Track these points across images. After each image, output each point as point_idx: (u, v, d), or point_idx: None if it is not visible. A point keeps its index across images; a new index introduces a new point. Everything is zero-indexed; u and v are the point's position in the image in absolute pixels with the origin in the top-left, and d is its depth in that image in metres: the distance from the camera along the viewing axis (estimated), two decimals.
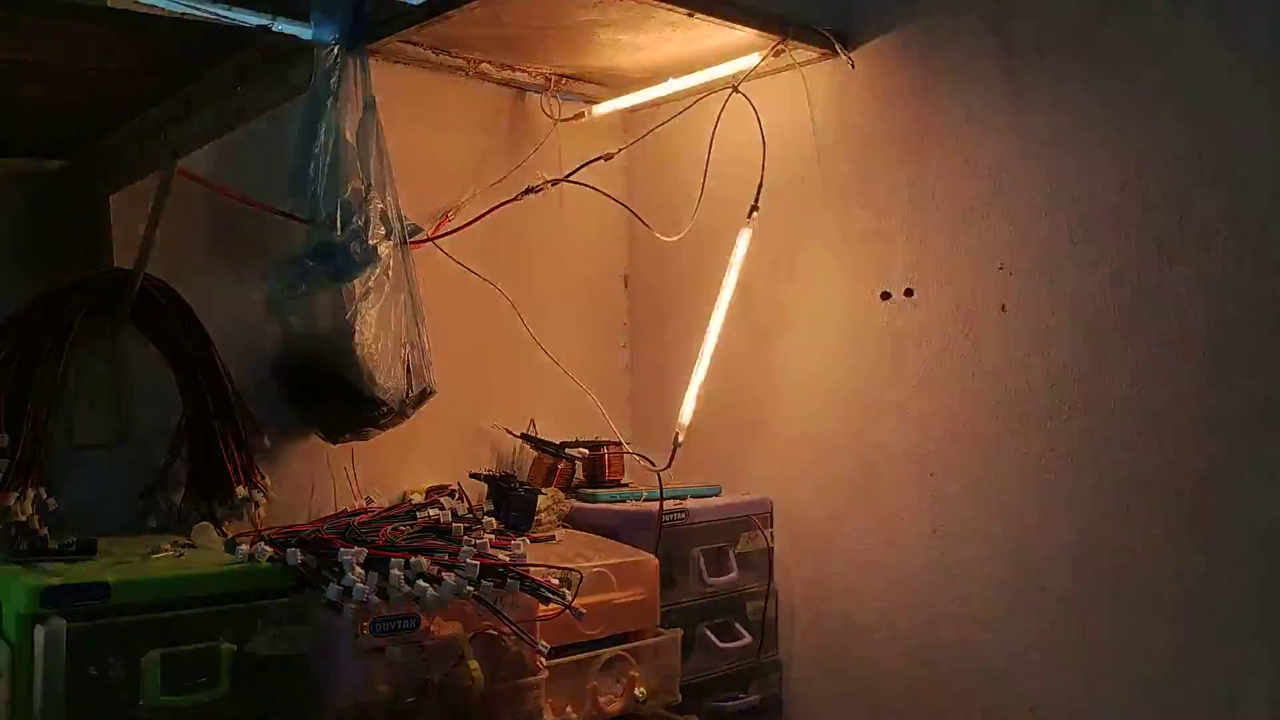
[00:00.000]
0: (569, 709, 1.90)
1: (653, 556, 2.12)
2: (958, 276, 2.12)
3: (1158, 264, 1.85)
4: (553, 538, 2.16)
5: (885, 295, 2.23)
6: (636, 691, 1.98)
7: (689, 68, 2.39)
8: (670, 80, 2.45)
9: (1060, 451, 1.97)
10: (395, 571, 1.59)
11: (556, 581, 1.78)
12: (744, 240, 2.40)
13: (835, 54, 2.28)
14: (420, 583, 1.60)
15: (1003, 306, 2.05)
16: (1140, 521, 1.87)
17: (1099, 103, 1.92)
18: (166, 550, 1.69)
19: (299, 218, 2.07)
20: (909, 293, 2.20)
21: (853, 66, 2.29)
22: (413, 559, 1.63)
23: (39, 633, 1.38)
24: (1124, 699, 1.89)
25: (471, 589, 1.65)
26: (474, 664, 1.67)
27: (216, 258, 2.14)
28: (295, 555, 1.61)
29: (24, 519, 1.76)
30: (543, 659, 1.78)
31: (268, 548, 1.64)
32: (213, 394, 1.94)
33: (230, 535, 1.81)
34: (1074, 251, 1.95)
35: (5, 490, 1.72)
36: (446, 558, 1.68)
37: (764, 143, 2.35)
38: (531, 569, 1.75)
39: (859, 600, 2.28)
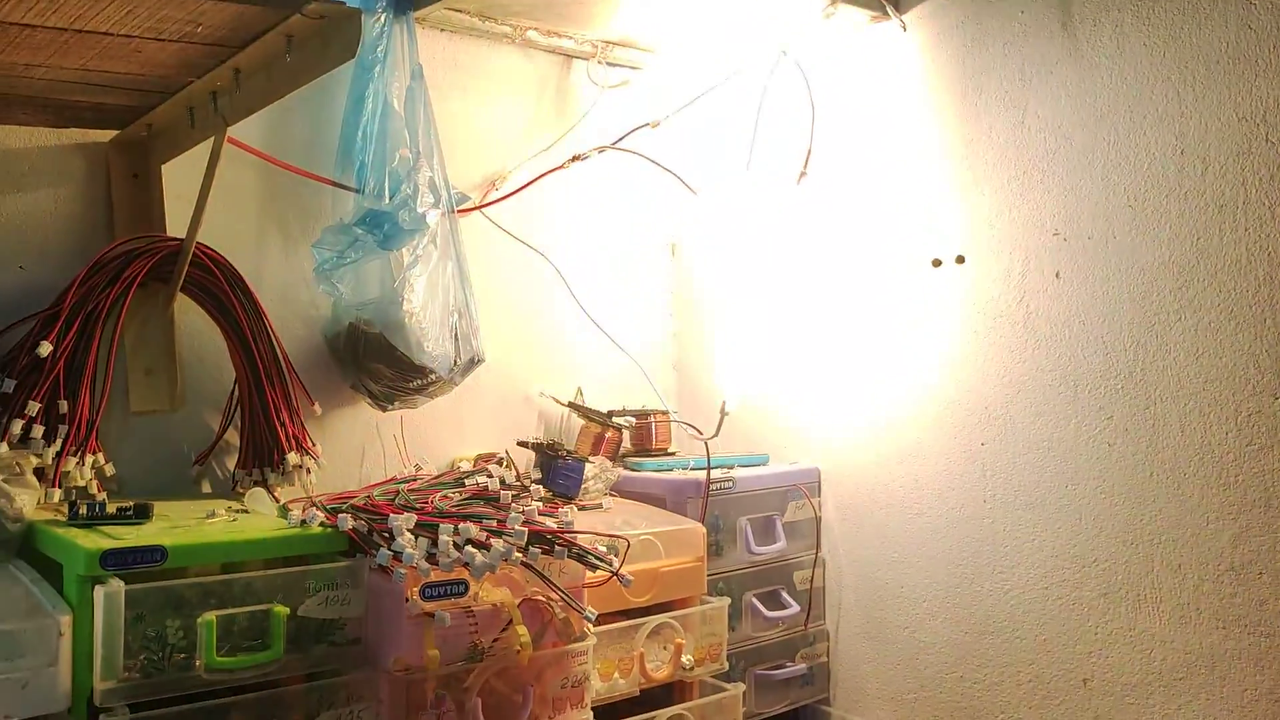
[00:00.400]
0: (616, 675, 1.91)
1: (700, 525, 2.13)
2: (1011, 243, 2.08)
3: (1217, 229, 1.81)
4: (600, 506, 2.17)
5: (936, 262, 2.20)
6: (684, 658, 1.99)
7: (738, 33, 2.36)
8: (718, 45, 2.43)
9: (1115, 420, 1.94)
10: (444, 537, 1.61)
11: (604, 549, 1.78)
12: (792, 207, 2.38)
13: (886, 16, 2.24)
14: (469, 548, 1.62)
15: (1057, 273, 2.01)
16: (1197, 491, 1.84)
17: (1159, 63, 1.87)
18: (221, 515, 1.72)
19: (347, 186, 2.08)
20: (960, 260, 2.16)
21: (904, 29, 2.24)
22: (461, 525, 1.64)
23: (98, 594, 1.41)
24: (1179, 672, 1.86)
25: (520, 555, 1.66)
26: (522, 629, 1.68)
27: (267, 227, 2.16)
28: (346, 521, 1.63)
29: (83, 484, 1.80)
30: (590, 625, 1.79)
31: (320, 513, 1.66)
32: (265, 362, 1.97)
33: (282, 501, 1.83)
34: (1131, 217, 1.91)
35: (64, 455, 1.76)
36: (495, 524, 1.69)
37: (813, 107, 2.32)
38: (579, 536, 1.76)
39: (907, 570, 2.26)
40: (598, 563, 1.75)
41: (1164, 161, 1.87)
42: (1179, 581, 1.86)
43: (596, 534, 1.82)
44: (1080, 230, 1.98)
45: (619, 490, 2.31)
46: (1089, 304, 1.97)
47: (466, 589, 1.65)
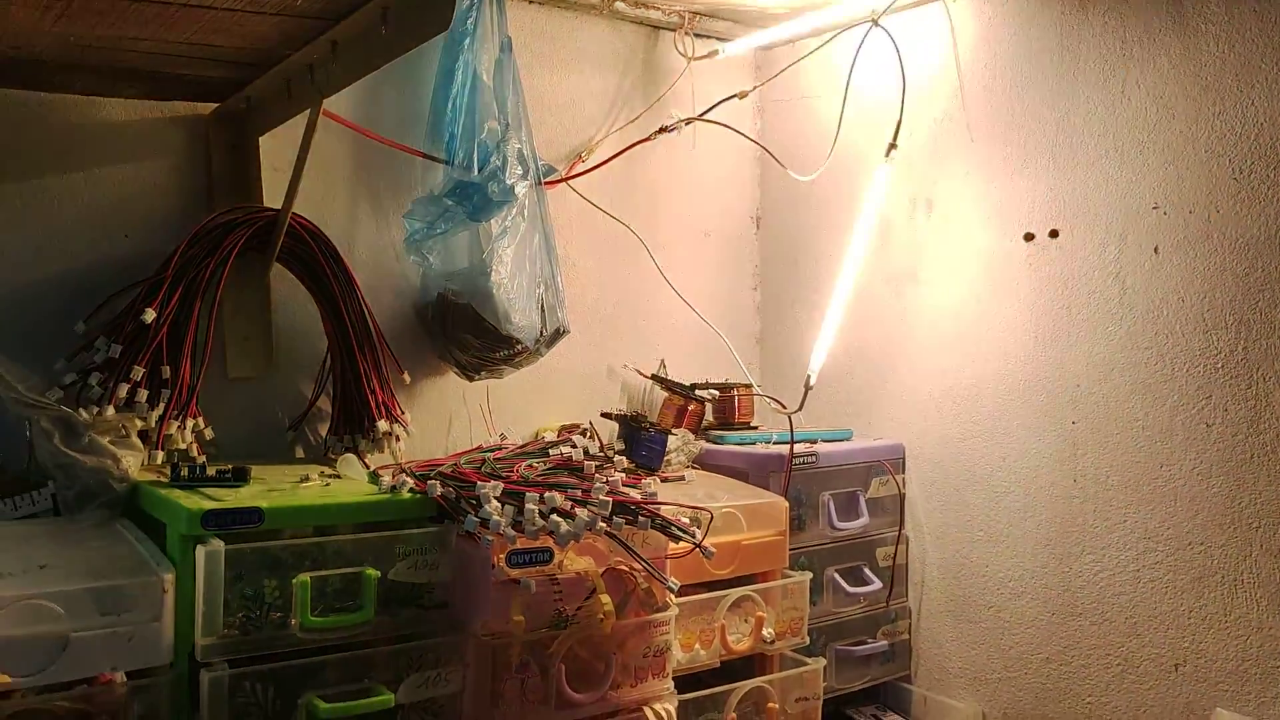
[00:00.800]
0: (697, 646, 1.92)
1: (782, 499, 2.12)
2: (1107, 217, 2.03)
3: None
4: (682, 478, 2.17)
5: (1029, 236, 2.16)
6: (764, 632, 1.99)
7: (826, 2, 2.33)
8: (807, 15, 2.39)
9: (1214, 400, 1.88)
10: (530, 505, 1.63)
11: (687, 520, 1.79)
12: (881, 180, 2.35)
13: None
14: (554, 517, 1.64)
15: (1155, 248, 1.96)
16: None
17: (1271, 29, 1.80)
18: (314, 480, 1.76)
19: (437, 158, 2.11)
20: (1054, 234, 2.11)
21: None
22: (547, 494, 1.66)
23: (200, 553, 1.47)
24: (1276, 659, 1.81)
25: (604, 524, 1.67)
26: (605, 598, 1.70)
27: (359, 198, 2.19)
28: (435, 487, 1.66)
29: (184, 446, 1.86)
30: (672, 596, 1.80)
31: (409, 479, 1.70)
32: (356, 331, 2.01)
33: (373, 467, 1.87)
34: (1236, 189, 1.85)
35: (167, 419, 1.82)
36: (579, 494, 1.71)
37: (904, 78, 2.28)
38: (662, 507, 1.77)
39: (993, 548, 2.23)
40: (680, 534, 1.76)
41: (1273, 132, 1.80)
42: (1278, 567, 1.81)
43: (679, 505, 1.83)
44: (1181, 204, 1.92)
45: (701, 463, 2.32)
46: (1188, 280, 1.91)
47: (551, 557, 1.67)
